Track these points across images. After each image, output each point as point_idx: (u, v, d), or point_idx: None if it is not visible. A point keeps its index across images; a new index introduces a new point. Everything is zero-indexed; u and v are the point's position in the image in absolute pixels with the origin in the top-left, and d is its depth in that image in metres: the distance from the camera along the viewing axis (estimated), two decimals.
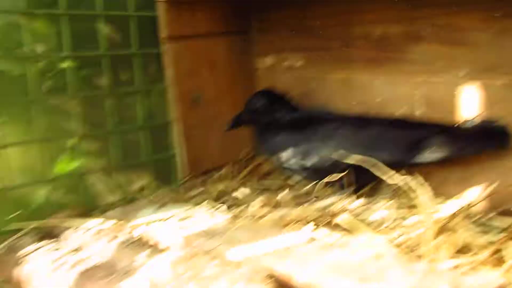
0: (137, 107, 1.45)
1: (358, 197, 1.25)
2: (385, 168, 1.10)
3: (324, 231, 1.03)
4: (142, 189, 1.44)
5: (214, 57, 1.52)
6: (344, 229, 1.03)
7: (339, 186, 1.29)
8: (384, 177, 1.10)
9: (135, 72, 1.44)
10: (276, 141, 1.31)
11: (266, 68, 1.60)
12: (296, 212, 1.08)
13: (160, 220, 1.12)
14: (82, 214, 1.25)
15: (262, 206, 1.13)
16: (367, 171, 1.23)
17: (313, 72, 1.50)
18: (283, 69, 1.56)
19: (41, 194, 1.28)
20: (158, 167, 1.50)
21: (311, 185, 1.34)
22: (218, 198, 1.33)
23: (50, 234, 1.12)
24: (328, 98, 1.47)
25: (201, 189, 1.39)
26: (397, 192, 1.27)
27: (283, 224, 1.06)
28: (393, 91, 1.34)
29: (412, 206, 1.17)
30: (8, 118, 1.21)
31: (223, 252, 0.94)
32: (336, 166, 1.24)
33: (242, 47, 1.59)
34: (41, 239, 1.10)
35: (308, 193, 1.31)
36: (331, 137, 1.26)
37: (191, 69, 1.47)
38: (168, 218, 1.13)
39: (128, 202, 1.35)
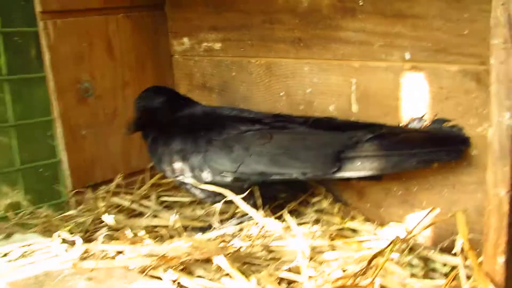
0: (5, 100, 1.14)
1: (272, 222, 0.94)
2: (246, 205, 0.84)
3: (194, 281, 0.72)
4: (10, 208, 1.12)
5: (112, 38, 1.20)
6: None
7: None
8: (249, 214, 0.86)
9: (3, 56, 1.13)
10: (168, 148, 0.99)
11: (182, 52, 1.28)
12: (163, 250, 0.77)
13: None
14: None
15: (124, 240, 0.82)
16: (285, 187, 0.95)
17: (233, 56, 1.18)
18: (201, 53, 1.24)
19: None
20: (38, 178, 1.19)
21: (216, 205, 1.04)
22: (97, 222, 1.03)
23: None
24: (251, 88, 1.16)
25: (78, 210, 1.08)
26: (324, 212, 0.98)
27: (140, 270, 0.75)
28: (325, 79, 1.04)
29: (340, 234, 0.88)
30: None
31: None
32: (242, 181, 0.94)
33: (152, 25, 1.27)
34: None
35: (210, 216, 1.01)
36: (235, 143, 0.94)
37: (78, 53, 1.15)
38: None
39: None
